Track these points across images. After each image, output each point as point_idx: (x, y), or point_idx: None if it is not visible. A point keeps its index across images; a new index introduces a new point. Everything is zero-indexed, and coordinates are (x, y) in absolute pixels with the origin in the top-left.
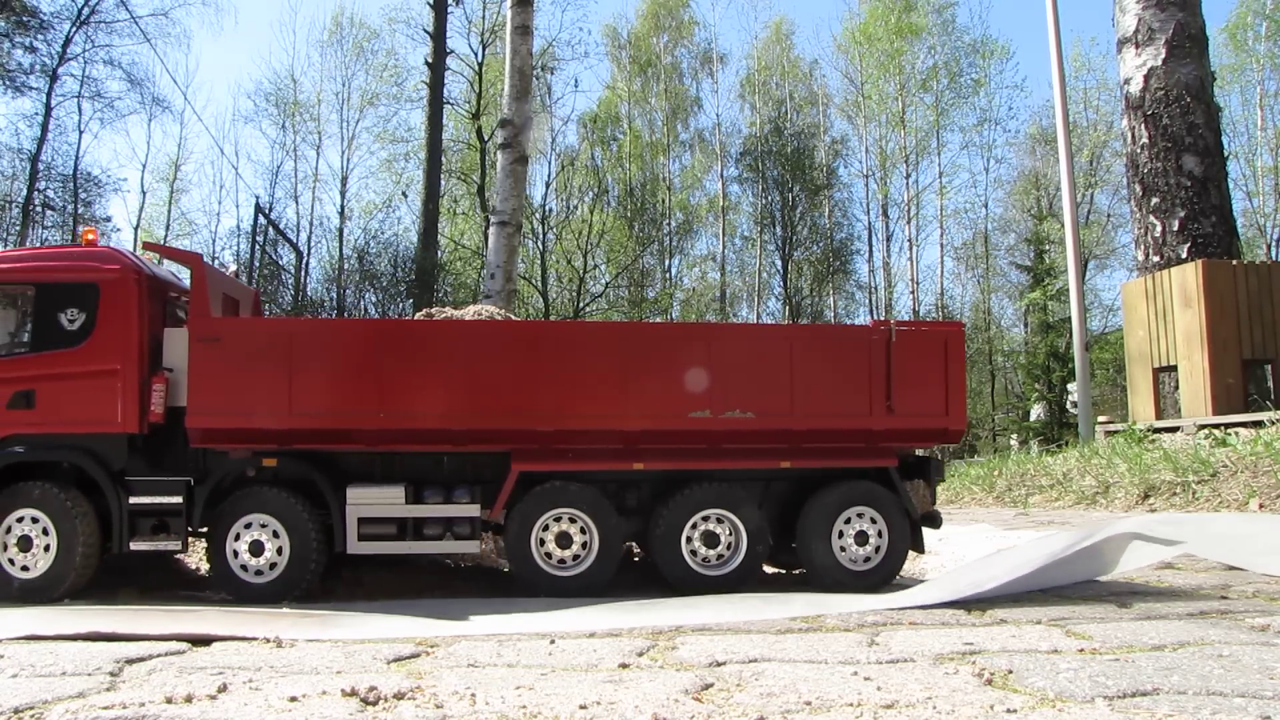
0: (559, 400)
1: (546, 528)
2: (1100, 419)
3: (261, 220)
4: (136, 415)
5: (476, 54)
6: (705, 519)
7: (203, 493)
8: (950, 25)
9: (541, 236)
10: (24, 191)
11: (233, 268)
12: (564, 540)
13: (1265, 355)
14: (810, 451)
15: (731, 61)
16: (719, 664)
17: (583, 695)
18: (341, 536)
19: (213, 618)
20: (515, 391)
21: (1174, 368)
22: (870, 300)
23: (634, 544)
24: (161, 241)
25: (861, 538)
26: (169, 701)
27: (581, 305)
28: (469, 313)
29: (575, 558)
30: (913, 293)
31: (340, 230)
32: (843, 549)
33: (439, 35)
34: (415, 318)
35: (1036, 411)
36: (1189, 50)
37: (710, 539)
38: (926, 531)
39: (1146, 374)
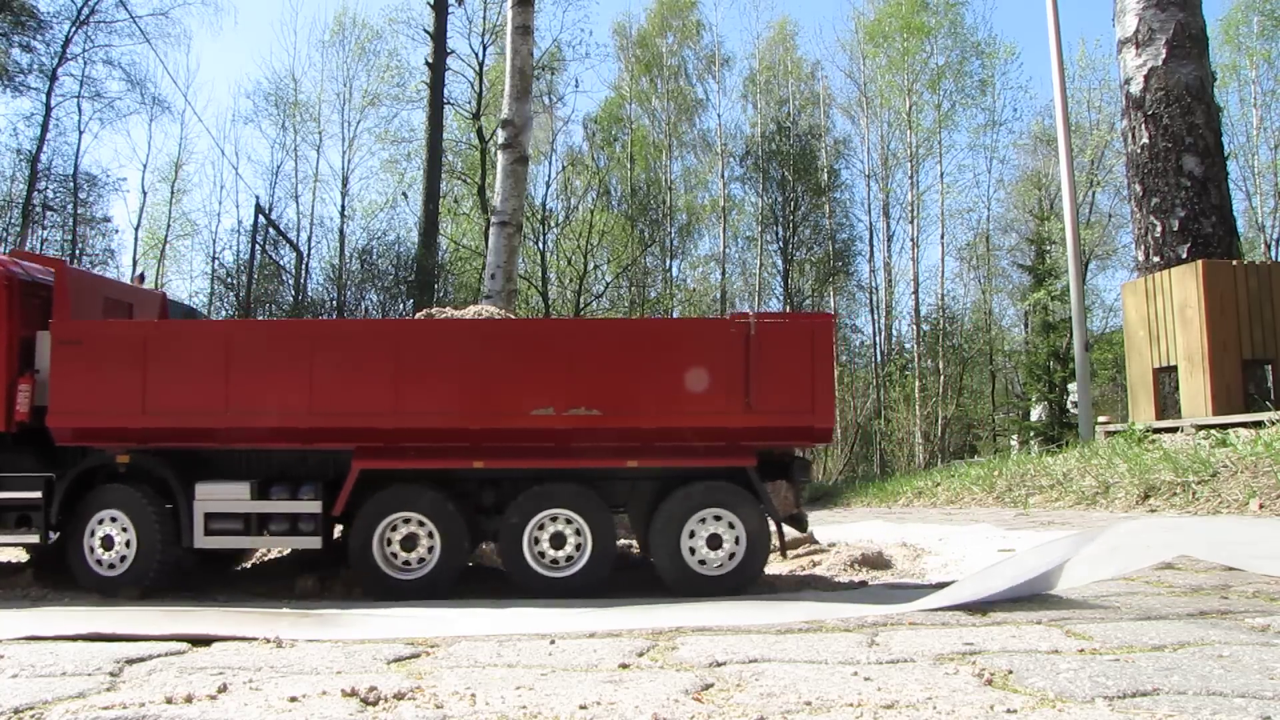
0: (399, 398)
1: (393, 529)
2: (1100, 419)
3: (261, 220)
4: (4, 415)
5: (477, 54)
6: (552, 519)
7: (60, 488)
8: (958, 25)
9: (542, 236)
10: (24, 192)
11: (139, 271)
12: (409, 542)
13: (1265, 355)
14: (659, 450)
15: (735, 62)
16: (719, 664)
17: (583, 695)
18: (189, 531)
19: (213, 618)
20: (356, 390)
21: (1174, 368)
22: (871, 300)
23: (632, 542)
24: (163, 241)
25: (715, 540)
26: (169, 702)
27: (582, 305)
28: (469, 313)
29: (424, 558)
30: (914, 293)
31: (341, 230)
32: (693, 552)
33: (440, 35)
34: (415, 318)
35: (1037, 412)
36: (1189, 50)
37: (558, 540)
38: (920, 531)
39: (1146, 374)
